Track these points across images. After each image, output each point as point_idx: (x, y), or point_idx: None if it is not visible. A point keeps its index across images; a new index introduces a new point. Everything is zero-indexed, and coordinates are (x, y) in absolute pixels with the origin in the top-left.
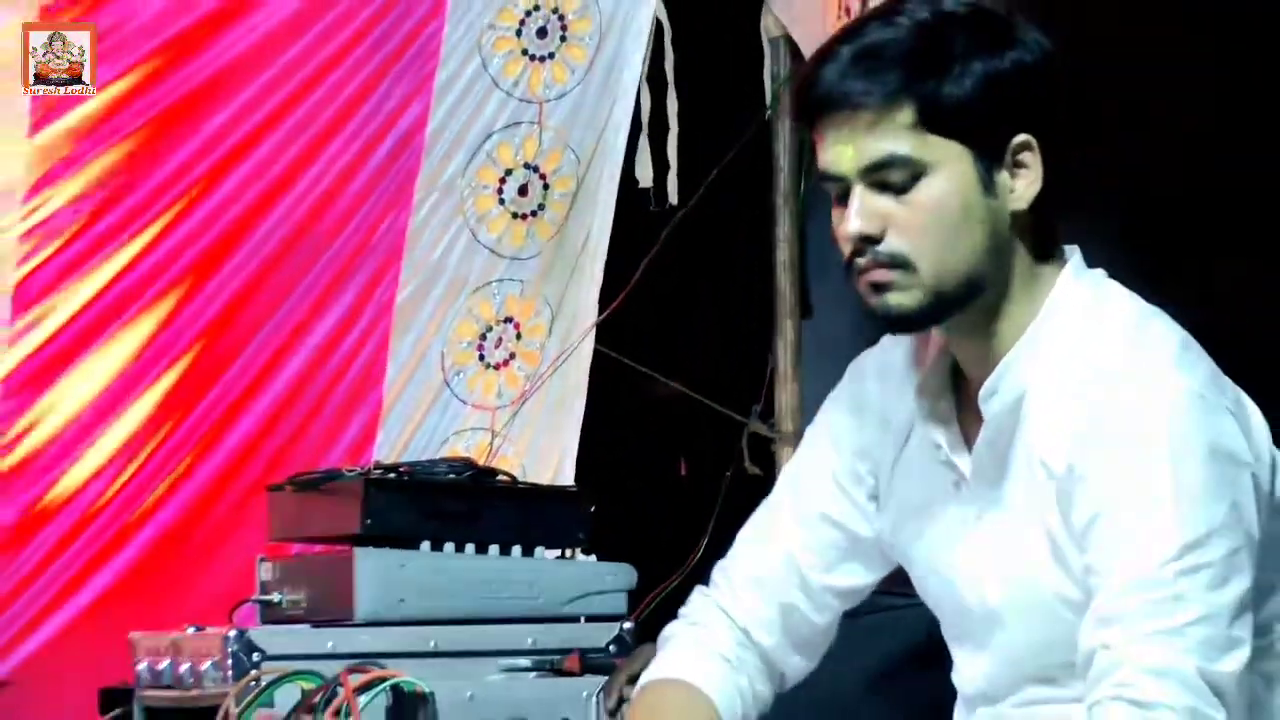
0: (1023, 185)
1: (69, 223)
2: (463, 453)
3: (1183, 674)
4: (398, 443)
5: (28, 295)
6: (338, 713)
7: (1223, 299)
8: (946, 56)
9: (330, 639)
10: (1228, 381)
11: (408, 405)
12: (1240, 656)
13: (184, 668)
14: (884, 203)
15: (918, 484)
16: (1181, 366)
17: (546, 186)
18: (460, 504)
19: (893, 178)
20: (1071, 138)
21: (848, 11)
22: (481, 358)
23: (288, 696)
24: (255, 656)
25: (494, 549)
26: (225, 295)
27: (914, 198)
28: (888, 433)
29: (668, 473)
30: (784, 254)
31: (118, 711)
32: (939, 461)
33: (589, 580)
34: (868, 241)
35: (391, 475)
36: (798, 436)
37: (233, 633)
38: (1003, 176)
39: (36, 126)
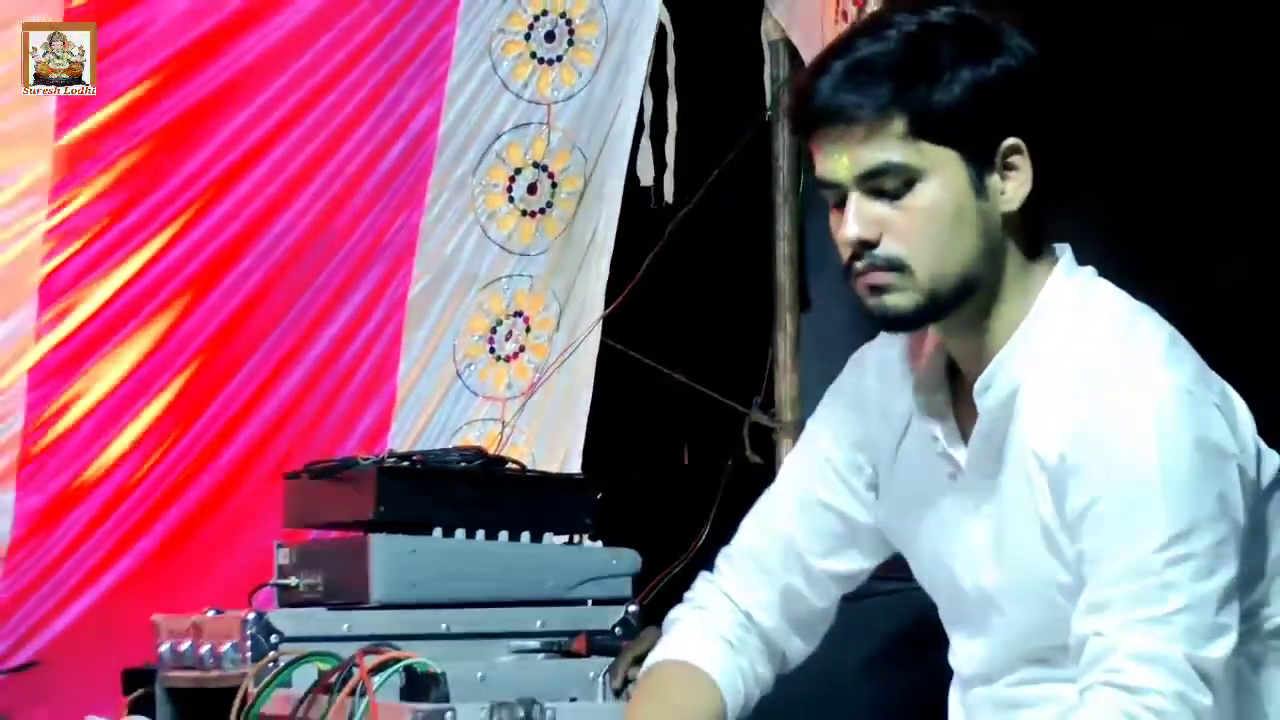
0: (1013, 187)
1: (94, 221)
2: (474, 442)
3: (1171, 660)
4: (411, 432)
5: (54, 290)
6: (353, 692)
7: (1220, 297)
8: (935, 66)
9: (346, 621)
10: (1214, 376)
11: (421, 396)
12: (1226, 643)
13: (204, 649)
14: (879, 208)
15: (916, 475)
16: (1169, 362)
17: (555, 185)
18: (471, 491)
19: (887, 184)
20: (1067, 138)
21: (845, 15)
22: (492, 350)
23: (305, 677)
24: (273, 638)
25: (504, 535)
26: (244, 290)
27: (908, 203)
28: (886, 425)
29: (671, 461)
30: (783, 250)
31: (140, 691)
32: (936, 453)
33: (595, 565)
34: (865, 246)
35: (405, 463)
36: (797, 426)
37: (251, 615)
38: (993, 179)
39: (62, 128)
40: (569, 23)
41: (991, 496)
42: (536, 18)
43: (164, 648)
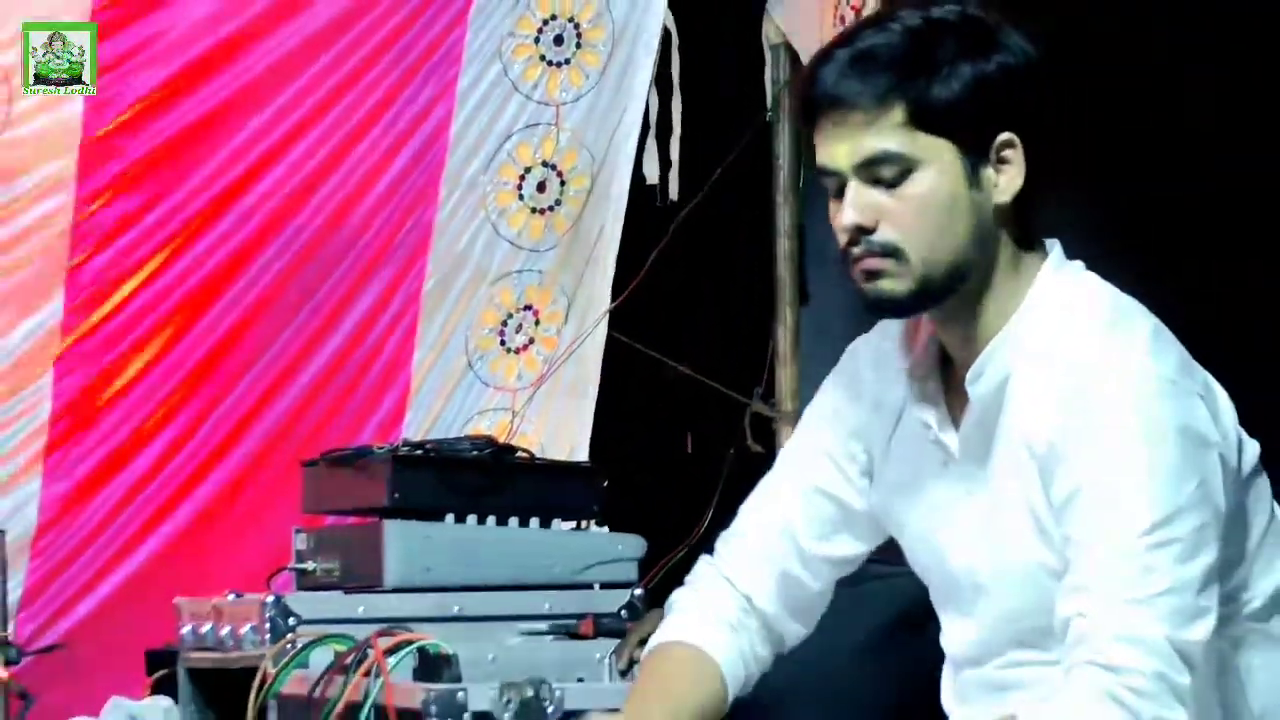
0: (1006, 180)
1: (118, 217)
2: (485, 431)
3: (1152, 641)
4: (425, 422)
5: (80, 284)
6: (368, 673)
7: (1219, 298)
8: (935, 60)
9: (361, 604)
10: (1197, 366)
11: (434, 387)
12: (1206, 625)
13: (225, 631)
14: (877, 196)
15: (909, 461)
16: (1154, 354)
17: (563, 183)
18: (482, 479)
19: (885, 173)
20: (1068, 137)
21: (843, 20)
22: (503, 343)
23: (321, 658)
24: (291, 621)
25: (514, 521)
26: (264, 283)
27: (904, 191)
28: (881, 413)
29: (675, 450)
30: (783, 247)
31: (163, 672)
32: (929, 440)
33: (602, 550)
34: (862, 232)
35: (418, 452)
36: (797, 415)
37: (270, 598)
38: (987, 171)
39: (88, 128)
40: (577, 27)
41: (982, 482)
42: (545, 22)
43: (185, 630)
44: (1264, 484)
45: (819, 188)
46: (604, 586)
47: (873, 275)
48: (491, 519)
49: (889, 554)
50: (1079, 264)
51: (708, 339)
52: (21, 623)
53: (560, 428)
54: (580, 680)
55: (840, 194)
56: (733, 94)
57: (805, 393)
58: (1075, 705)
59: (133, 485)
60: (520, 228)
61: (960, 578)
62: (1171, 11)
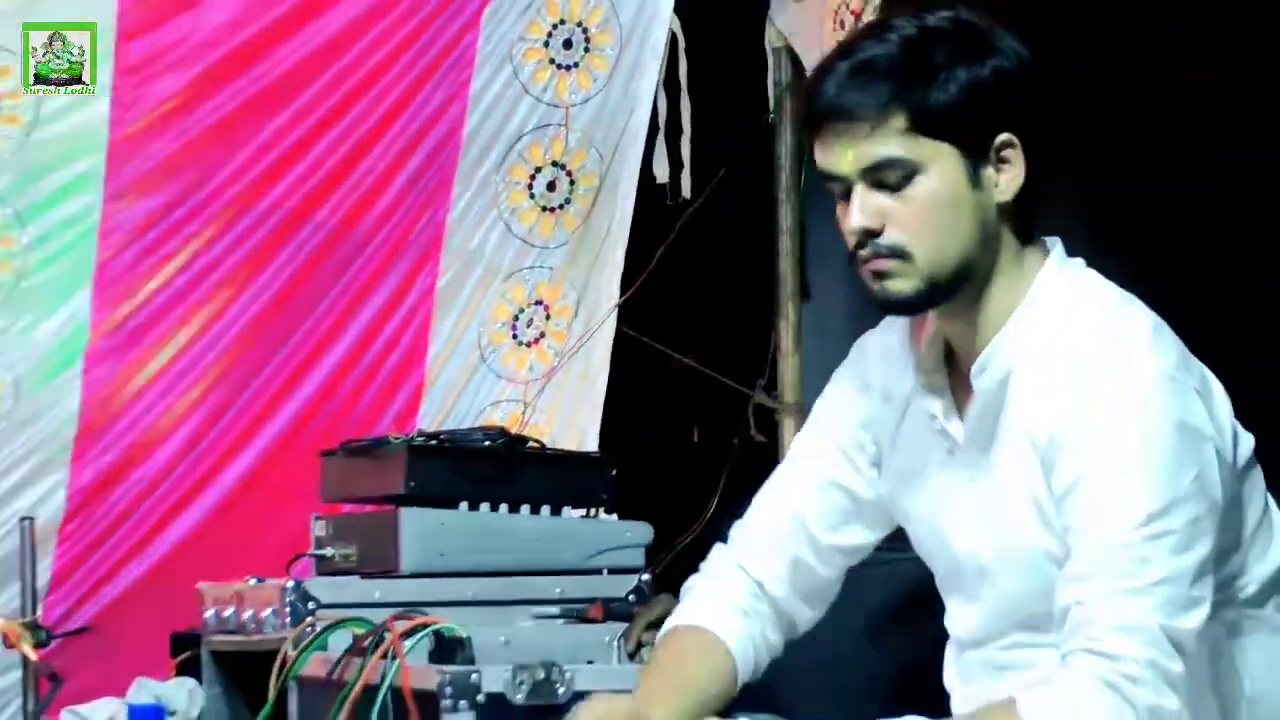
0: (1006, 179)
1: (144, 214)
2: (497, 422)
3: (1146, 629)
4: (439, 413)
5: (108, 280)
6: (385, 655)
7: (1219, 298)
8: (932, 67)
9: (378, 589)
10: (1195, 362)
11: (448, 379)
12: (1200, 614)
13: (247, 615)
14: (882, 200)
15: (915, 451)
16: (1154, 350)
17: (572, 183)
18: (495, 468)
19: (889, 177)
20: (1069, 137)
21: (842, 25)
22: (515, 336)
23: (340, 641)
24: (310, 605)
25: (525, 508)
26: (283, 279)
27: (909, 194)
28: (889, 405)
29: (682, 440)
30: (785, 244)
31: (187, 654)
32: (934, 431)
33: (611, 537)
34: (869, 235)
35: (433, 442)
36: (798, 407)
37: (290, 583)
38: (988, 172)
39: (115, 128)
40: (585, 31)
41: (986, 470)
42: (555, 26)
43: (209, 614)
44: (1258, 475)
45: (820, 187)
46: (613, 572)
47: (881, 276)
48: (504, 507)
49: (894, 540)
50: (1080, 261)
51: (713, 333)
52: (50, 606)
53: (570, 419)
54: (590, 662)
55: (847, 198)
56: (736, 96)
57: (807, 385)
58: (1071, 691)
59: (157, 474)
60: (531, 225)
61: (964, 562)
62: (1172, 11)
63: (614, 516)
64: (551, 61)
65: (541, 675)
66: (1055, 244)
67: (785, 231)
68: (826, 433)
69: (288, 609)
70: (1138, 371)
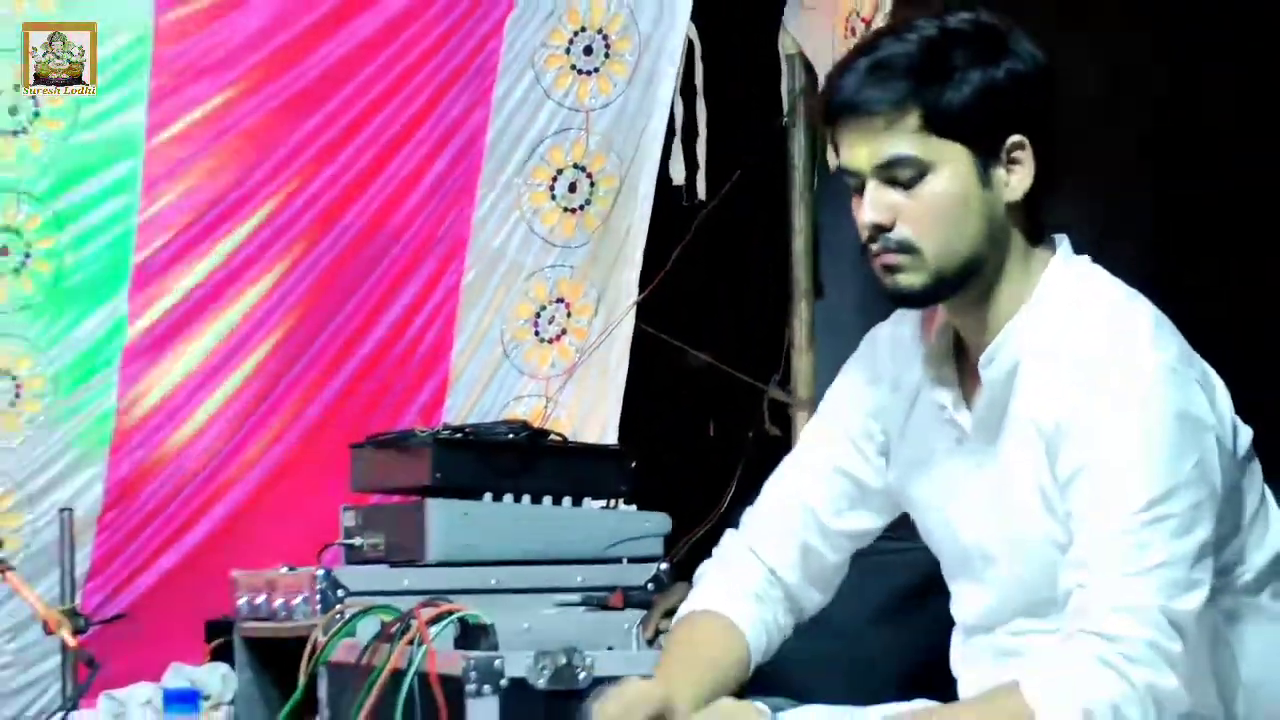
0: (1016, 180)
1: (180, 215)
2: (520, 416)
3: (1145, 611)
4: (464, 407)
5: (145, 278)
6: (412, 641)
7: (1231, 295)
8: (948, 68)
9: (405, 577)
10: (1196, 356)
11: (473, 375)
12: (1199, 596)
13: (278, 602)
14: (894, 196)
15: (924, 440)
16: (1156, 344)
17: (593, 184)
18: (518, 460)
19: (901, 175)
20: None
21: (853, 32)
22: (537, 333)
23: (368, 627)
24: (340, 593)
25: (547, 500)
26: (313, 278)
27: (920, 192)
28: (898, 396)
29: (698, 433)
30: (799, 243)
31: (220, 640)
32: (943, 420)
33: (630, 527)
34: (880, 229)
35: (458, 435)
36: (812, 402)
37: (320, 572)
38: (999, 172)
39: (153, 131)
40: (605, 38)
41: (993, 459)
42: (576, 33)
43: (241, 601)
44: (1256, 467)
45: (832, 189)
46: (632, 561)
47: (891, 269)
48: (527, 498)
49: (900, 530)
50: (1086, 258)
51: (728, 330)
52: (88, 594)
53: (591, 413)
54: (610, 648)
55: (861, 191)
56: (750, 101)
57: (820, 380)
58: (1072, 670)
59: (193, 466)
60: (553, 225)
61: (970, 549)
62: (1190, 10)
63: (633, 507)
64: (573, 67)
65: (563, 661)
66: (1062, 240)
67: (798, 232)
68: (836, 422)
69: (318, 596)
70: (1140, 366)
